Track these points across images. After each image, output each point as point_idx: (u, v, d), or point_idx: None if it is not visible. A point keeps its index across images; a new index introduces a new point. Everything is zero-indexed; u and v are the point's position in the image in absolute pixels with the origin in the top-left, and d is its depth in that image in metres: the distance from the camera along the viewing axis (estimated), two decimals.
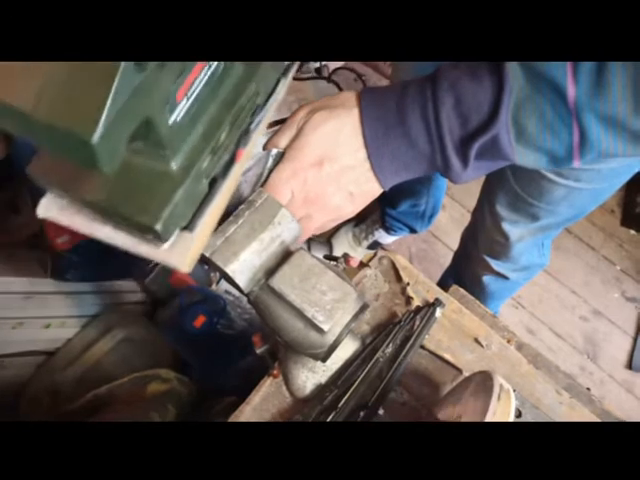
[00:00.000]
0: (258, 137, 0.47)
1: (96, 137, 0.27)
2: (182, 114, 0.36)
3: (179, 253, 0.39)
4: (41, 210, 0.39)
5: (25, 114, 0.28)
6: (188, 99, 0.36)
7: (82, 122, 0.27)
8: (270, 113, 0.48)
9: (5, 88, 0.28)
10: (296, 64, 0.52)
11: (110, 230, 0.38)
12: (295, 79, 1.36)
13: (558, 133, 0.43)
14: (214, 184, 0.42)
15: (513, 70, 0.43)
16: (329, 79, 1.77)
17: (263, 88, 0.46)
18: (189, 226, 0.39)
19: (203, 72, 0.37)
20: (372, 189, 0.51)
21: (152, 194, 0.36)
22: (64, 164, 0.37)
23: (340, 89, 1.61)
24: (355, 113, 0.48)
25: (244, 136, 0.44)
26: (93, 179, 0.36)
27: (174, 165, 0.37)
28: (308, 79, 1.38)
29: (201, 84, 0.37)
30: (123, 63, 0.28)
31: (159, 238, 0.37)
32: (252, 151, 0.47)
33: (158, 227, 0.35)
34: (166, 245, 0.38)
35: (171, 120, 0.35)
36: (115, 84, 0.27)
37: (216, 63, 0.39)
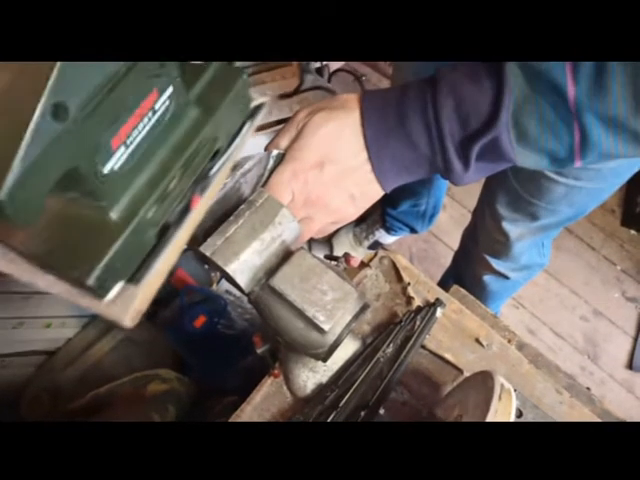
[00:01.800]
0: (221, 182, 0.45)
1: (3, 195, 0.26)
2: (121, 163, 0.34)
3: (121, 307, 0.36)
4: None
5: None
6: (127, 147, 0.34)
7: None
8: (234, 157, 0.45)
9: None
10: (263, 110, 0.49)
11: (52, 280, 0.35)
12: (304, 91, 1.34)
13: (559, 134, 0.43)
14: (165, 233, 0.39)
15: (513, 71, 0.43)
16: (329, 81, 1.77)
17: (223, 132, 0.44)
18: (134, 278, 0.37)
19: (145, 120, 0.35)
20: (373, 191, 0.51)
21: (87, 246, 0.34)
22: None
23: (334, 93, 1.61)
24: (356, 115, 0.48)
25: (202, 181, 0.42)
26: (28, 229, 0.34)
27: (113, 215, 0.35)
28: (308, 90, 1.38)
29: (144, 130, 0.35)
30: (37, 114, 0.26)
31: (95, 293, 0.34)
32: (214, 194, 0.45)
33: (90, 282, 0.33)
34: (108, 298, 0.36)
35: (107, 169, 0.33)
36: (27, 137, 0.26)
37: (162, 109, 0.37)
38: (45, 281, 0.35)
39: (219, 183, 0.45)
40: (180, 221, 0.40)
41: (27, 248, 0.34)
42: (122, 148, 0.34)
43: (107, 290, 0.35)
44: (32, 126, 0.26)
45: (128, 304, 0.36)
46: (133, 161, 0.35)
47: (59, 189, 0.32)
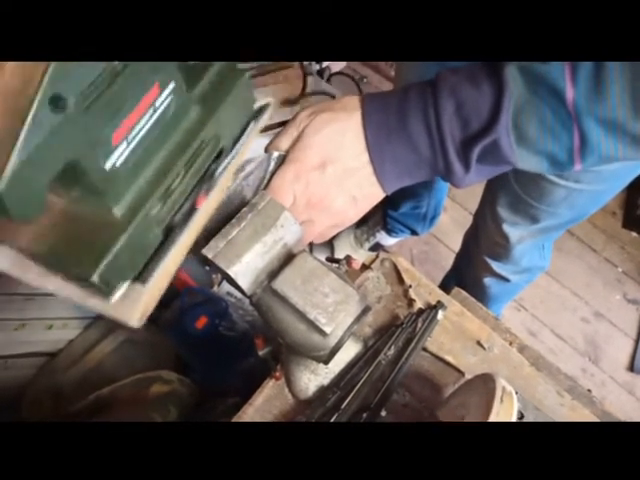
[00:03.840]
0: (226, 183, 0.45)
1: (1, 186, 0.26)
2: (123, 159, 0.34)
3: (128, 307, 0.36)
4: None
5: None
6: (129, 143, 0.34)
7: None
8: (239, 157, 0.46)
9: None
10: (268, 111, 0.49)
11: (60, 282, 0.35)
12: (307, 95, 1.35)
13: (559, 136, 0.43)
14: (171, 233, 0.39)
15: (512, 74, 0.43)
16: (329, 81, 1.77)
17: (227, 132, 0.44)
18: (140, 278, 0.37)
19: (146, 116, 0.35)
20: (374, 193, 0.51)
21: (91, 244, 0.34)
22: None
23: (333, 97, 1.61)
24: (357, 117, 0.49)
25: (207, 181, 0.42)
26: (35, 229, 0.34)
27: (117, 212, 0.35)
28: (312, 94, 1.38)
29: (146, 127, 0.35)
30: (35, 105, 0.26)
31: (100, 291, 0.34)
32: (221, 195, 0.45)
33: (94, 279, 0.33)
34: (114, 298, 0.36)
35: (108, 165, 0.33)
36: (25, 128, 0.26)
37: (164, 106, 0.37)
38: (54, 284, 0.35)
39: (224, 183, 0.45)
40: (186, 221, 0.40)
41: (33, 248, 0.34)
42: (124, 144, 0.34)
43: (113, 289, 0.35)
44: (30, 117, 0.26)
45: (135, 304, 0.36)
46: (135, 158, 0.35)
47: (62, 186, 0.32)
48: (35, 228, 0.34)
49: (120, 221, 0.35)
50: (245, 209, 0.47)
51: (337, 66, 1.92)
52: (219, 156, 0.43)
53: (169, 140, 0.38)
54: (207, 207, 0.43)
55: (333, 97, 1.44)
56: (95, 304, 0.36)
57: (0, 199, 0.26)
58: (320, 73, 1.79)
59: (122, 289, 0.36)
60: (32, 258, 0.35)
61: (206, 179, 0.42)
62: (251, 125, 0.47)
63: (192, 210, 0.41)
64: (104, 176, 0.33)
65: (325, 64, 1.83)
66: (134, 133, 0.35)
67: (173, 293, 1.16)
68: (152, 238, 0.38)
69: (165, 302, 1.17)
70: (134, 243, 0.35)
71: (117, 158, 0.34)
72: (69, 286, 0.35)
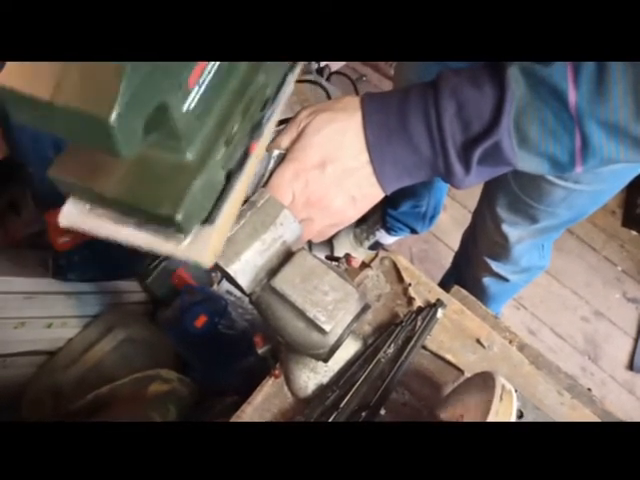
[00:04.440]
0: (270, 131, 0.47)
1: (113, 117, 0.28)
2: (195, 103, 0.36)
3: (200, 247, 0.39)
4: (63, 219, 0.39)
5: (44, 103, 0.28)
6: (200, 87, 0.36)
7: (99, 104, 0.28)
8: (280, 107, 0.48)
9: (23, 81, 0.29)
10: (299, 65, 0.52)
11: (131, 231, 0.38)
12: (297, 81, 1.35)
13: (560, 139, 0.43)
14: (230, 177, 0.42)
15: (514, 76, 0.43)
16: (328, 80, 1.77)
17: (272, 80, 0.46)
18: (209, 219, 0.39)
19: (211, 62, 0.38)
20: (374, 193, 0.51)
21: (170, 185, 0.36)
22: (83, 165, 0.37)
23: (329, 97, 1.62)
24: (357, 117, 0.48)
25: (256, 129, 0.44)
26: (112, 176, 0.36)
27: (190, 156, 0.37)
28: (307, 81, 1.38)
29: (211, 73, 0.37)
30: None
31: (180, 230, 0.37)
32: (265, 144, 0.47)
33: (179, 217, 0.35)
34: (187, 241, 0.38)
35: (184, 108, 0.35)
36: (128, 69, 0.28)
37: None
38: (125, 232, 0.38)
39: (270, 132, 0.47)
40: (241, 166, 0.43)
41: (114, 193, 0.36)
42: (196, 88, 0.36)
43: (189, 229, 0.38)
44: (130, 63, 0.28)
45: (206, 244, 0.39)
46: (204, 103, 0.37)
47: (145, 131, 0.33)
48: (112, 174, 0.36)
49: (194, 164, 0.37)
50: (244, 207, 0.47)
51: (336, 65, 1.92)
52: (265, 105, 0.45)
53: (228, 87, 0.40)
54: (257, 154, 0.45)
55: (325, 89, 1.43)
56: (168, 248, 0.39)
57: (111, 131, 0.28)
58: (320, 72, 1.79)
59: (193, 232, 0.39)
60: (109, 204, 0.38)
61: (255, 128, 0.44)
62: (289, 76, 0.50)
63: (245, 156, 0.43)
64: (184, 119, 0.35)
65: (324, 63, 1.83)
66: (203, 77, 0.36)
67: (173, 292, 1.16)
68: (218, 181, 0.40)
69: (164, 301, 1.18)
70: (206, 185, 0.38)
71: (190, 102, 0.36)
72: (141, 233, 0.38)
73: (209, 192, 0.39)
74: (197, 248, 0.39)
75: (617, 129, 0.41)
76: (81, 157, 0.37)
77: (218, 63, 0.38)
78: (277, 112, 0.48)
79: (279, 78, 0.48)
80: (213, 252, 0.40)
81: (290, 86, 0.50)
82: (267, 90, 0.45)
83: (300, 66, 0.52)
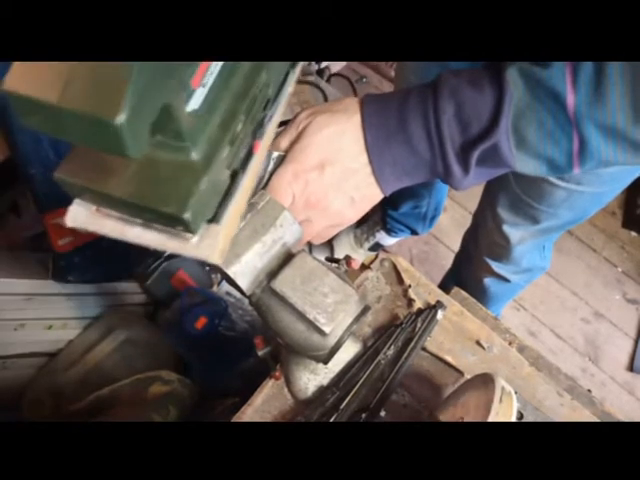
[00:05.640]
0: (273, 130, 0.47)
1: (121, 119, 0.28)
2: (199, 103, 0.36)
3: (208, 245, 0.39)
4: (70, 220, 0.40)
5: (51, 106, 0.29)
6: (204, 87, 0.37)
7: (107, 106, 0.28)
8: (282, 106, 0.48)
9: (30, 84, 0.29)
10: (300, 64, 0.52)
11: (139, 230, 0.39)
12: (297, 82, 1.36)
13: (558, 141, 0.44)
14: (235, 176, 0.42)
15: (513, 78, 0.43)
16: (328, 81, 1.78)
17: (273, 79, 0.46)
18: (215, 218, 0.40)
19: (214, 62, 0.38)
20: (373, 194, 0.51)
21: (177, 185, 0.37)
22: (90, 166, 0.37)
23: (326, 99, 1.62)
24: (357, 119, 0.49)
25: (259, 128, 0.45)
26: (119, 177, 0.37)
27: (195, 156, 0.37)
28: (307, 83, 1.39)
29: (215, 73, 0.37)
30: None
31: (188, 229, 0.37)
32: (268, 144, 0.47)
33: (186, 216, 0.36)
34: (195, 239, 0.39)
35: (189, 108, 0.35)
36: (135, 70, 0.28)
37: None
38: (132, 232, 0.39)
39: (272, 132, 0.48)
40: (246, 165, 0.43)
41: (121, 193, 0.36)
42: (200, 88, 0.36)
43: (197, 227, 0.38)
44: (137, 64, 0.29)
45: (214, 242, 0.39)
46: (208, 102, 0.37)
47: (150, 132, 0.34)
48: (118, 175, 0.37)
49: (199, 163, 0.37)
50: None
51: (337, 66, 1.92)
52: (267, 104, 0.46)
53: (231, 87, 0.40)
54: (260, 153, 0.45)
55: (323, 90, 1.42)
56: (175, 246, 0.39)
57: (119, 133, 0.28)
58: (320, 73, 1.79)
59: (200, 230, 0.39)
60: (117, 204, 0.38)
61: (257, 127, 0.45)
62: (290, 75, 0.50)
63: (249, 155, 0.44)
64: (188, 119, 0.36)
65: (324, 64, 1.83)
66: (206, 77, 0.37)
67: (173, 293, 1.16)
68: (223, 180, 0.41)
69: (165, 302, 1.18)
70: (211, 184, 0.38)
71: (195, 102, 0.36)
72: (148, 232, 0.39)
73: (215, 191, 0.40)
74: (205, 246, 0.39)
75: (615, 132, 0.41)
76: (86, 159, 0.38)
77: (221, 63, 0.38)
78: (279, 111, 0.48)
79: (280, 77, 0.49)
80: (221, 250, 0.40)
81: (291, 85, 0.50)
82: (269, 89, 0.45)
83: (300, 65, 0.52)
